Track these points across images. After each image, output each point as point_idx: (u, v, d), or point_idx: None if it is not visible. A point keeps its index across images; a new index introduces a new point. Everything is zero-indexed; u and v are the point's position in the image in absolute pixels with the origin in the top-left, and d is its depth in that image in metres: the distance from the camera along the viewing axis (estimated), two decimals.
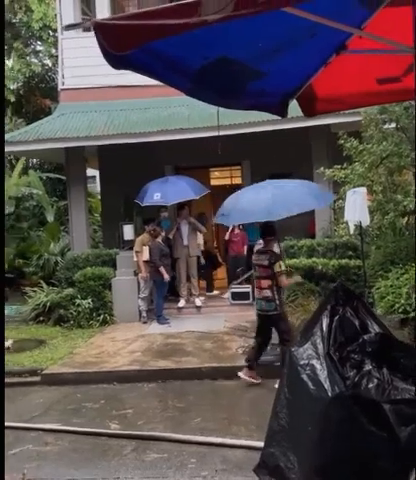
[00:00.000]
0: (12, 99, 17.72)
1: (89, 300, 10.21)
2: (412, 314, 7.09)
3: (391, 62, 3.36)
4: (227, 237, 11.41)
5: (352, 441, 2.79)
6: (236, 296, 10.67)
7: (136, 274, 10.51)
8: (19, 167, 15.86)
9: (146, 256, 10.21)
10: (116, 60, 2.39)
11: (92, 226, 15.19)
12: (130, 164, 11.69)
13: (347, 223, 7.98)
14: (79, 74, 12.11)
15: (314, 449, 2.90)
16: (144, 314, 10.39)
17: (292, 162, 10.59)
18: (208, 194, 11.34)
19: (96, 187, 17.88)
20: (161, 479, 4.64)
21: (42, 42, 19.87)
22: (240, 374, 6.86)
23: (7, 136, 12.41)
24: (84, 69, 11.79)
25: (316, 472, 2.93)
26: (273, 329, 6.89)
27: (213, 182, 15.10)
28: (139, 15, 2.25)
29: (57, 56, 14.92)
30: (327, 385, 2.83)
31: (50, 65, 20.38)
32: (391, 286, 7.63)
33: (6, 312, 11.69)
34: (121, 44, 2.29)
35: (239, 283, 10.85)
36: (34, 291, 11.11)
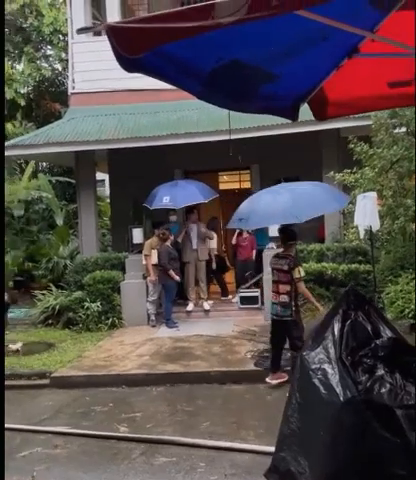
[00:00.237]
0: (22, 103, 17.82)
1: (98, 303, 10.22)
2: None
3: (402, 66, 3.34)
4: (234, 241, 11.38)
5: (364, 446, 2.77)
6: (245, 300, 10.68)
7: (145, 277, 10.52)
8: (29, 170, 15.95)
9: (155, 259, 10.22)
10: (129, 63, 2.39)
11: (101, 230, 15.23)
12: (139, 168, 11.72)
13: (357, 228, 7.94)
14: (89, 78, 12.17)
15: (326, 454, 2.88)
16: (153, 317, 10.40)
17: (302, 166, 10.57)
18: (217, 198, 11.34)
19: (105, 191, 17.95)
20: None
21: (52, 46, 19.99)
22: (267, 380, 6.83)
23: (17, 140, 12.50)
24: (94, 73, 11.86)
25: (327, 477, 2.91)
26: None
27: (222, 186, 15.09)
28: (152, 18, 2.24)
29: (67, 60, 15.02)
30: (339, 389, 2.82)
31: (60, 69, 20.51)
32: (401, 291, 7.60)
33: (15, 315, 11.78)
34: (134, 47, 2.29)
35: (248, 287, 10.85)
36: (43, 294, 11.15)
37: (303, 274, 6.64)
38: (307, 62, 2.96)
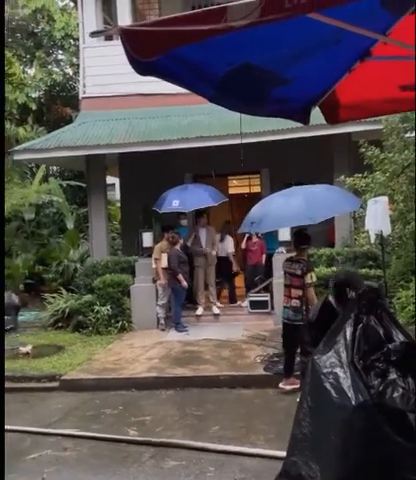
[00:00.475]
0: (34, 107, 17.91)
1: (108, 307, 10.24)
2: None
3: (414, 69, 3.33)
4: (244, 246, 11.37)
5: (376, 450, 2.75)
6: (254, 305, 10.66)
7: (154, 281, 10.53)
8: (40, 174, 16.05)
9: (165, 263, 10.24)
10: (142, 67, 2.40)
11: (111, 233, 15.29)
12: (150, 172, 11.75)
13: (368, 232, 7.90)
14: (100, 82, 12.22)
15: (337, 458, 2.86)
16: (162, 321, 10.41)
17: (312, 170, 10.54)
18: (227, 203, 11.34)
19: (115, 195, 18.02)
20: None
21: (64, 51, 20.12)
22: (281, 385, 6.79)
23: (28, 144, 12.58)
24: (105, 77, 11.91)
25: None
26: None
27: (231, 191, 15.10)
28: (165, 21, 2.25)
29: (78, 65, 15.11)
30: (351, 393, 2.80)
31: (71, 74, 20.63)
32: (412, 296, 7.55)
33: (25, 318, 11.86)
34: (147, 50, 2.29)
35: (257, 292, 10.84)
36: (53, 297, 11.20)
37: (315, 280, 6.60)
38: (319, 65, 2.96)
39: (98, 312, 10.18)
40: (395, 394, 2.76)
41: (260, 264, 11.14)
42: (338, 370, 2.93)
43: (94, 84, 12.54)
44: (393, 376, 2.80)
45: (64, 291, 11.40)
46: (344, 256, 9.99)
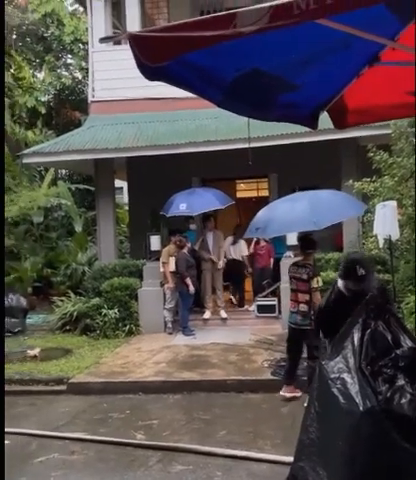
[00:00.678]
0: (43, 111, 18.04)
1: (115, 310, 10.26)
2: None
3: None
4: (252, 250, 11.36)
5: (383, 456, 2.74)
6: (262, 309, 10.65)
7: (162, 285, 10.55)
8: (48, 178, 16.12)
9: (172, 267, 10.25)
10: (151, 72, 2.41)
11: (119, 237, 15.33)
12: (158, 176, 11.79)
13: (376, 237, 7.88)
14: (109, 87, 12.28)
15: (344, 464, 2.85)
16: (169, 325, 10.41)
17: (320, 174, 10.52)
18: (234, 207, 11.34)
19: (123, 198, 18.07)
20: None
21: (73, 55, 20.27)
22: (281, 393, 6.76)
23: (37, 147, 12.65)
24: (114, 82, 11.97)
25: None
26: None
27: (239, 194, 15.11)
28: (174, 27, 2.26)
29: (87, 69, 15.19)
30: (358, 399, 2.79)
31: (80, 78, 20.74)
32: None
33: (33, 321, 11.90)
34: (156, 56, 2.31)
35: (265, 296, 10.82)
36: (61, 300, 11.23)
37: (321, 284, 6.58)
38: (328, 71, 2.96)
39: (106, 315, 10.20)
40: (403, 400, 2.75)
41: (268, 268, 11.14)
42: (346, 376, 2.92)
43: (103, 88, 12.60)
44: (401, 382, 2.79)
45: (72, 294, 11.43)
46: None
